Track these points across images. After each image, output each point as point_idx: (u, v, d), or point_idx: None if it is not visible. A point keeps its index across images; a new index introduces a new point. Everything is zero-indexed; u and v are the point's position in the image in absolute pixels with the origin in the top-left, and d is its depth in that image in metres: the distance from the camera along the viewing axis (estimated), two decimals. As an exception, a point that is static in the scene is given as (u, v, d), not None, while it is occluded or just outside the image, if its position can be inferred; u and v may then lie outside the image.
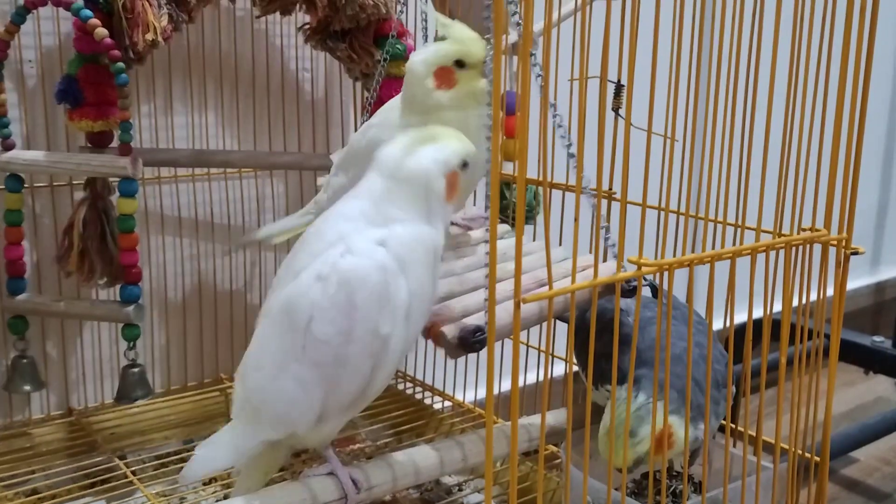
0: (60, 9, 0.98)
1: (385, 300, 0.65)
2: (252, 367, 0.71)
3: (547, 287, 0.61)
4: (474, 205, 1.16)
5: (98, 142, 1.02)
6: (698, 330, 0.78)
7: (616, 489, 0.73)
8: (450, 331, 0.70)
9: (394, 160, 0.68)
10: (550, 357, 0.63)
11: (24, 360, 1.05)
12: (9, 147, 1.00)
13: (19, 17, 0.97)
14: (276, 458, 0.77)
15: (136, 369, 1.05)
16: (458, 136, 0.71)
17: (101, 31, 0.91)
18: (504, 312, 0.69)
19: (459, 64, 0.80)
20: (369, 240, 0.66)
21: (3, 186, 1.03)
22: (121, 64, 0.92)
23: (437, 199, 0.68)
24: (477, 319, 0.72)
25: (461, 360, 1.22)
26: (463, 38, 0.79)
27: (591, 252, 0.97)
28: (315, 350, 0.66)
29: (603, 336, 0.79)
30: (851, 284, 2.02)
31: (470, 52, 0.79)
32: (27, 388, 1.06)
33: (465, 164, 0.70)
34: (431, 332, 0.72)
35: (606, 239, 0.79)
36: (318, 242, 0.69)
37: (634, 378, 0.76)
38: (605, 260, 0.84)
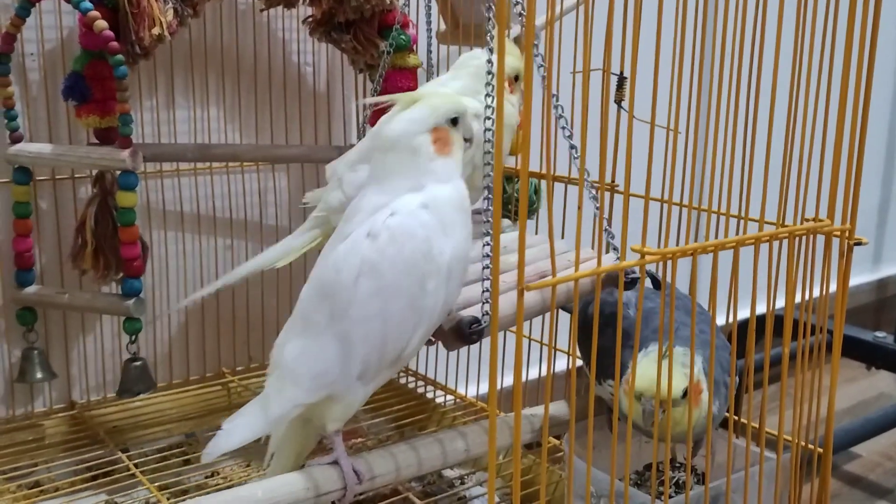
0: (62, 2, 0.98)
1: (431, 256, 0.68)
2: (294, 334, 0.72)
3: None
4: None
5: (105, 137, 1.01)
6: (701, 319, 0.78)
7: (619, 480, 0.73)
8: (447, 322, 0.71)
9: (377, 132, 0.72)
10: (553, 349, 0.63)
11: (35, 351, 1.06)
12: (16, 140, 1.01)
13: (23, 10, 0.97)
14: (307, 438, 0.77)
15: (137, 363, 1.05)
16: (444, 95, 0.73)
17: (101, 24, 0.91)
18: (505, 303, 0.70)
19: (517, 77, 0.89)
20: (413, 203, 0.69)
21: (7, 179, 1.04)
22: (119, 56, 0.92)
23: (426, 157, 0.69)
24: (474, 311, 0.72)
25: (464, 353, 1.23)
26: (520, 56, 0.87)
27: (592, 244, 0.97)
28: (362, 305, 0.68)
29: (605, 331, 0.79)
30: (853, 280, 2.02)
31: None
32: (39, 376, 1.06)
33: (454, 120, 0.71)
34: None
35: (607, 232, 0.79)
36: (360, 214, 0.71)
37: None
38: (607, 251, 0.84)
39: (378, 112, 1.13)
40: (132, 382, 1.05)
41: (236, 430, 0.72)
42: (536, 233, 1.11)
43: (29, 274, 1.04)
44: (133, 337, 1.03)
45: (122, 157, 0.95)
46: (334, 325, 0.69)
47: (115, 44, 0.91)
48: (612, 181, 1.03)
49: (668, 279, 0.70)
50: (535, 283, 0.56)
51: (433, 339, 0.75)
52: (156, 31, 0.96)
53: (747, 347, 0.79)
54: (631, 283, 0.78)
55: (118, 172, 0.98)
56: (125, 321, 1.02)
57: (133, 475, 0.99)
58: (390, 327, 0.68)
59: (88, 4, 0.92)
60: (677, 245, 0.91)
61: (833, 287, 0.81)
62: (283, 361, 0.72)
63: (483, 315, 0.70)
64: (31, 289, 1.04)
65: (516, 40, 1.04)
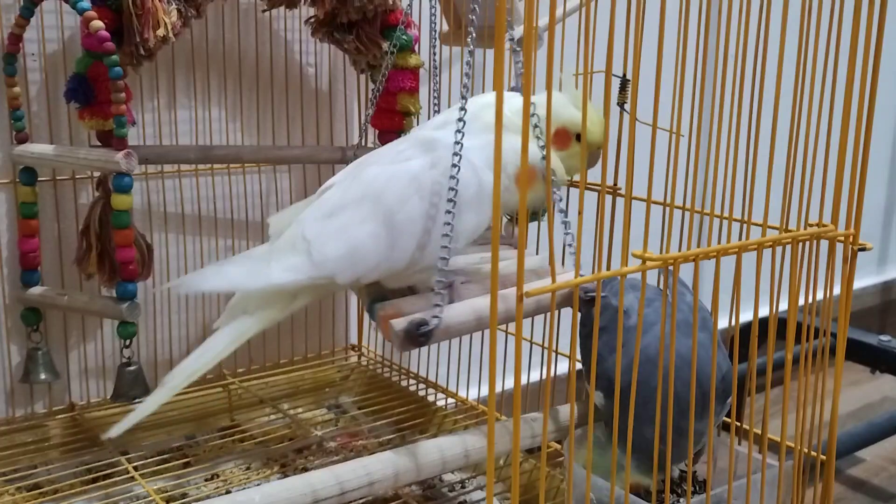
0: (63, 3, 0.98)
1: (478, 195, 0.75)
2: (322, 215, 0.77)
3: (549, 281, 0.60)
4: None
5: (108, 139, 1.01)
6: (703, 326, 0.77)
7: (619, 487, 0.72)
8: (397, 323, 0.72)
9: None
10: (554, 353, 0.63)
11: (39, 351, 1.06)
12: (22, 140, 1.01)
13: (28, 10, 0.97)
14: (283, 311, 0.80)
15: (131, 368, 1.04)
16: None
17: (96, 24, 0.90)
18: (454, 311, 0.73)
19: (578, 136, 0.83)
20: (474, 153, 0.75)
21: (7, 180, 1.03)
22: (115, 57, 0.91)
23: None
24: (425, 314, 0.72)
25: (465, 356, 1.22)
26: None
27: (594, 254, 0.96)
28: (407, 218, 0.75)
29: (602, 335, 0.79)
30: (858, 283, 2.01)
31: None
32: (43, 376, 1.06)
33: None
34: (382, 324, 0.74)
35: (570, 246, 0.78)
36: (433, 143, 0.77)
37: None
38: (609, 258, 0.83)
39: (380, 113, 1.13)
40: (126, 387, 1.04)
41: (226, 274, 0.77)
42: (538, 239, 1.10)
43: (34, 274, 1.04)
44: (128, 341, 1.02)
45: (116, 158, 0.94)
46: (370, 225, 0.74)
47: (109, 44, 0.91)
48: (615, 184, 1.02)
49: (670, 285, 0.69)
50: (534, 290, 0.55)
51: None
52: (160, 32, 0.95)
53: (750, 351, 0.78)
54: (589, 303, 0.78)
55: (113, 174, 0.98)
56: (119, 325, 1.01)
57: (132, 478, 0.98)
58: (425, 242, 0.75)
59: (86, 4, 0.91)
60: (679, 249, 0.91)
61: (837, 290, 0.81)
62: (304, 234, 0.76)
63: (432, 318, 0.70)
64: (35, 289, 1.04)
65: (518, 42, 1.03)
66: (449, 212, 0.70)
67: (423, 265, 0.76)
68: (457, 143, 0.71)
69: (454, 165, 0.71)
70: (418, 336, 0.70)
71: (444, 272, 0.70)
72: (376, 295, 0.80)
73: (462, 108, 0.71)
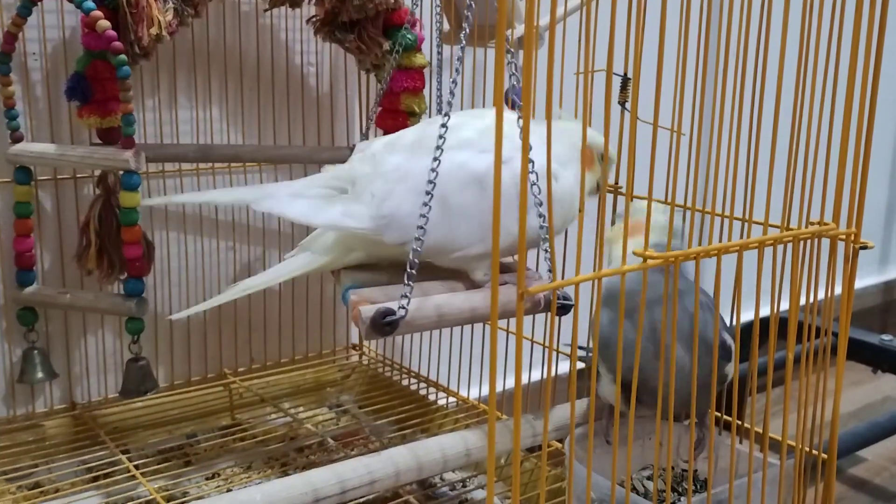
0: (64, 1, 0.98)
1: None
2: (394, 179, 0.81)
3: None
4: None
5: (107, 138, 1.01)
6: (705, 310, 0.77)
7: (620, 485, 0.72)
8: (365, 311, 0.72)
9: None
10: (554, 351, 0.63)
11: (36, 351, 1.06)
12: (17, 139, 1.01)
13: (25, 9, 0.97)
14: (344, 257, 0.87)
15: (140, 363, 1.04)
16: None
17: (103, 24, 0.91)
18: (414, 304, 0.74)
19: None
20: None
21: (8, 179, 1.03)
22: (122, 56, 0.91)
23: None
24: (392, 304, 0.73)
25: (466, 355, 1.22)
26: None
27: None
28: (467, 204, 0.79)
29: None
30: (860, 283, 2.01)
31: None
32: (40, 376, 1.06)
33: None
34: (353, 310, 0.75)
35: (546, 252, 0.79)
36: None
37: None
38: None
39: (384, 113, 1.13)
40: (135, 383, 1.04)
41: (296, 205, 0.83)
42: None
43: (30, 274, 1.04)
44: (135, 337, 1.03)
45: (125, 157, 0.95)
46: (436, 201, 0.75)
47: (118, 43, 0.91)
48: (616, 183, 1.02)
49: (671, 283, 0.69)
50: (535, 288, 0.55)
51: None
52: (154, 31, 0.96)
53: (751, 350, 0.78)
54: (562, 309, 0.78)
55: (121, 172, 0.98)
56: (127, 321, 1.02)
57: (133, 477, 0.98)
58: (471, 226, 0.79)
59: (91, 4, 0.92)
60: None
61: (838, 289, 0.81)
62: (373, 191, 0.82)
63: (399, 308, 0.71)
64: (32, 289, 1.04)
65: (519, 41, 1.03)
66: (426, 204, 0.73)
67: (469, 252, 0.79)
68: (440, 136, 0.72)
69: (435, 159, 0.73)
70: (383, 325, 0.71)
71: (414, 264, 0.71)
72: (353, 282, 0.81)
73: (446, 114, 0.72)
